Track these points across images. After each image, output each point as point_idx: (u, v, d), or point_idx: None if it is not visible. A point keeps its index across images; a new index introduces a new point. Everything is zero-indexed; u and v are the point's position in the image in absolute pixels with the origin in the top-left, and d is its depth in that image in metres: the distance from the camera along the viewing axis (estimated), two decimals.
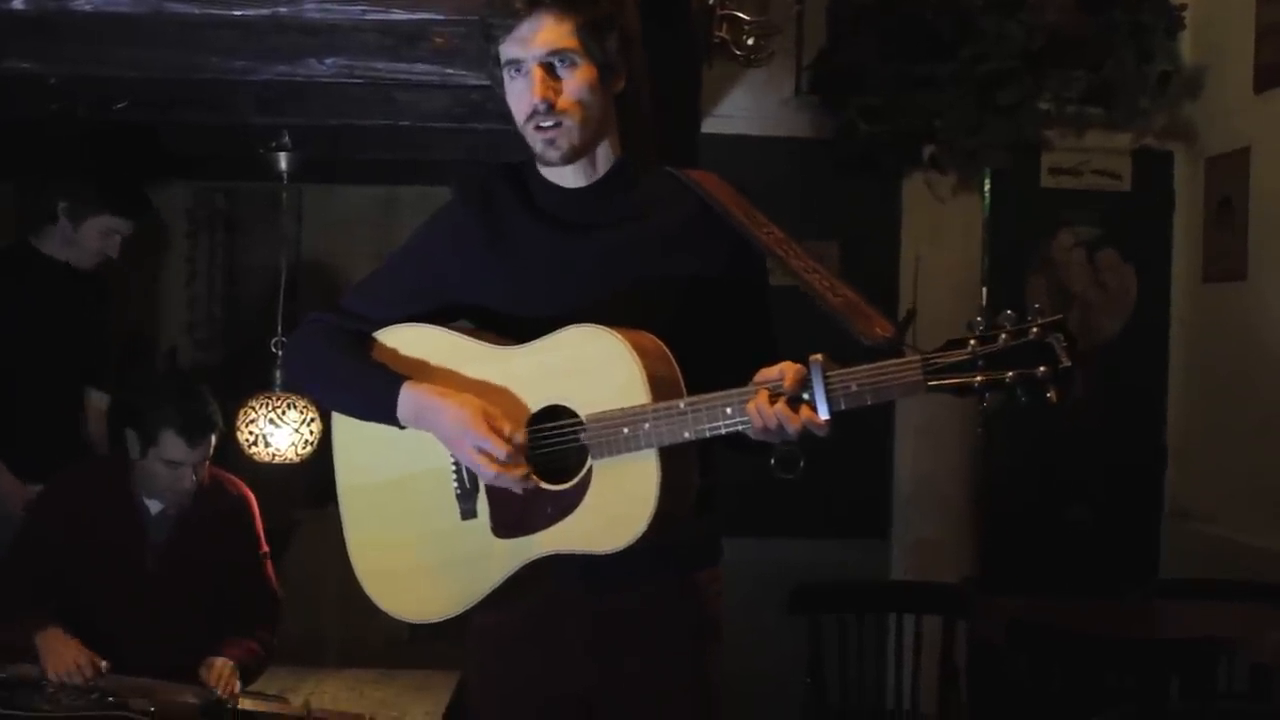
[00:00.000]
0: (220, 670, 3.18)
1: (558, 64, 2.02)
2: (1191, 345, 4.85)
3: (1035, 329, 1.77)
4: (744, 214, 2.08)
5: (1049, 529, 4.80)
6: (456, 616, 2.13)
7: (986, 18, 4.44)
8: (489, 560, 2.07)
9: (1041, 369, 1.76)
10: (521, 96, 2.04)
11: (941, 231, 4.84)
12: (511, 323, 2.10)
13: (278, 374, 3.92)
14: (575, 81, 2.03)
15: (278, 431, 3.85)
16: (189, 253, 5.18)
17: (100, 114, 3.46)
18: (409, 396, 2.06)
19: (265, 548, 3.50)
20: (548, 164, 2.10)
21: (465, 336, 2.11)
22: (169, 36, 2.84)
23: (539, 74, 2.01)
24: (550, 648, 2.12)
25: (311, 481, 4.29)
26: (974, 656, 4.14)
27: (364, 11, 2.66)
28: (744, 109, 4.71)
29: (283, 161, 3.94)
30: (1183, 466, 4.87)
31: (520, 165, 2.17)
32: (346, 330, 2.17)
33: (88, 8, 2.62)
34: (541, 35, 2.01)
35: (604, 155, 2.13)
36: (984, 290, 4.83)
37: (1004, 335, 1.79)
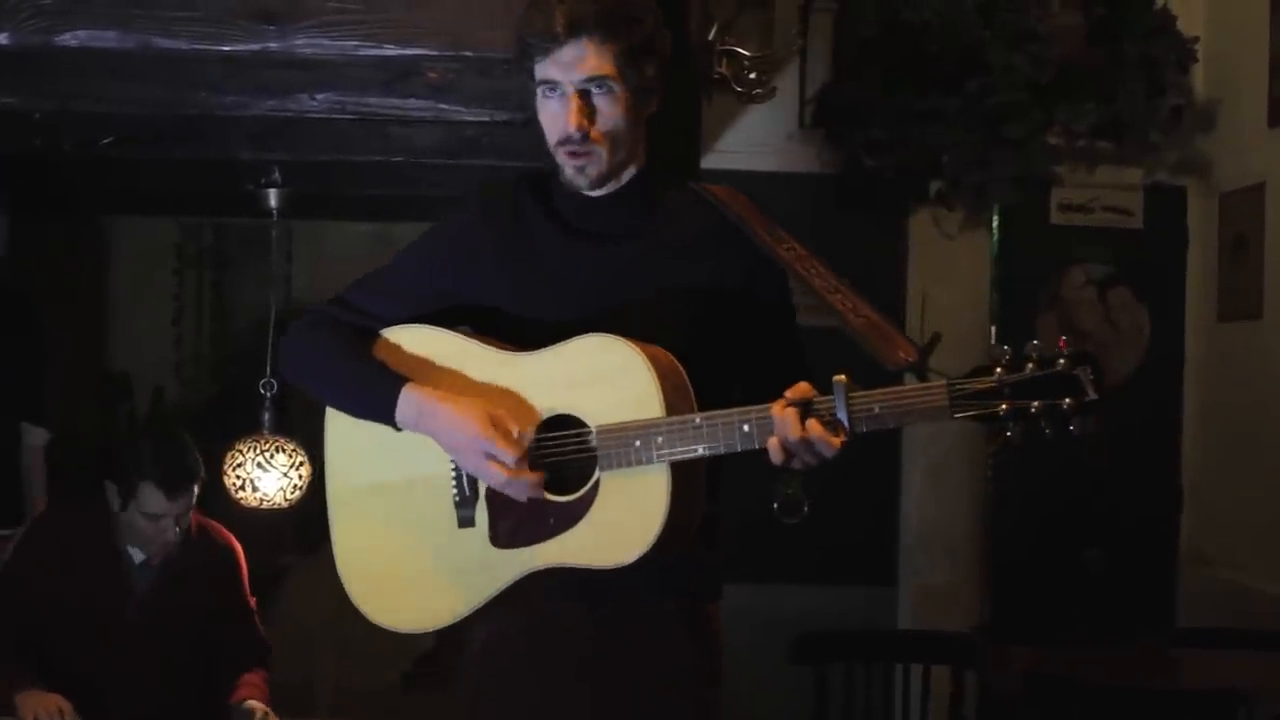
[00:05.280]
0: (263, 709, 3.23)
1: (594, 91, 2.04)
2: (1206, 385, 4.86)
3: (1063, 360, 1.80)
4: (765, 230, 2.11)
5: (1061, 575, 4.79)
6: (448, 628, 2.13)
7: (992, 50, 4.47)
8: (486, 570, 2.07)
9: (1068, 401, 1.79)
10: (555, 119, 2.06)
11: (949, 269, 4.85)
12: (518, 327, 2.11)
13: (266, 415, 3.93)
14: (611, 111, 2.05)
15: (266, 476, 3.85)
16: (176, 290, 5.20)
17: (86, 150, 3.48)
18: (409, 399, 2.06)
19: (253, 600, 3.50)
20: (574, 188, 2.12)
21: (471, 339, 2.12)
22: (156, 71, 2.86)
23: (576, 102, 2.03)
24: (546, 674, 2.12)
25: (301, 526, 4.29)
26: (984, 708, 4.13)
27: (356, 46, 2.68)
28: (746, 144, 4.74)
29: (273, 197, 3.96)
30: (1199, 510, 4.87)
31: (545, 173, 2.20)
32: (348, 325, 2.18)
33: (73, 43, 2.65)
34: (581, 62, 2.02)
35: (627, 172, 2.15)
36: (992, 329, 4.84)
37: (1031, 364, 1.81)
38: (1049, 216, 4.88)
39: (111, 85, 2.94)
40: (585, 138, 2.04)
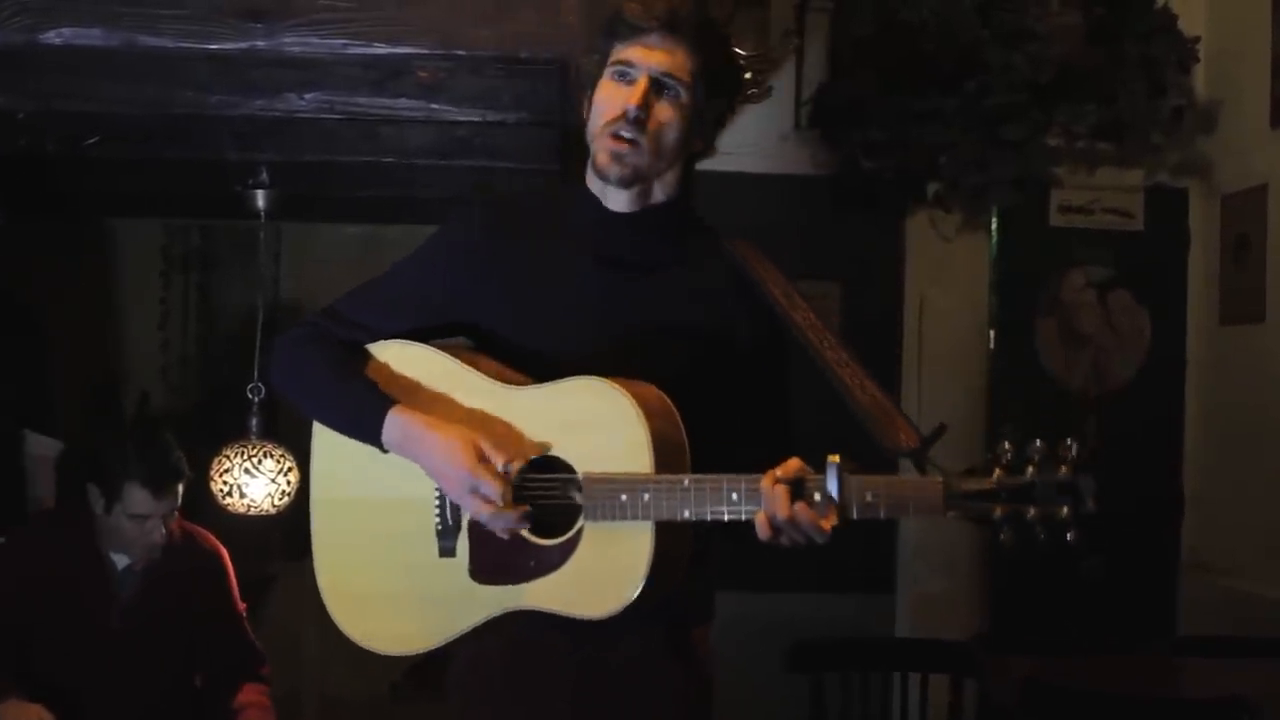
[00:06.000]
0: None
1: (665, 87, 2.06)
2: (1208, 390, 4.86)
3: (1065, 468, 1.80)
4: (781, 292, 2.10)
5: (1061, 583, 4.78)
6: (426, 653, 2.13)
7: (990, 50, 4.47)
8: (463, 603, 2.07)
9: (1065, 510, 1.79)
10: (614, 97, 2.07)
11: (947, 271, 4.85)
12: (517, 351, 2.11)
13: (254, 420, 3.92)
14: (670, 113, 2.07)
15: (253, 481, 3.84)
16: (162, 293, 5.19)
17: (71, 149, 3.48)
18: (396, 421, 2.06)
19: (242, 606, 3.49)
20: (604, 179, 2.11)
21: (465, 366, 2.10)
22: (143, 70, 2.86)
23: (645, 84, 2.05)
24: (532, 698, 2.12)
25: (289, 533, 4.27)
26: (983, 717, 4.12)
27: (345, 45, 2.68)
28: (741, 144, 4.72)
29: (261, 199, 3.95)
30: (1201, 516, 4.87)
31: (555, 187, 2.19)
32: (340, 340, 2.16)
33: (58, 41, 2.64)
34: (666, 54, 2.05)
35: (656, 193, 2.15)
36: (991, 333, 4.84)
37: (1031, 469, 1.80)
38: (1048, 218, 4.88)
39: (96, 84, 2.94)
40: (640, 121, 2.04)
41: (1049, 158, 4.71)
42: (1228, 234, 4.73)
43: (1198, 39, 4.70)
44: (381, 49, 2.69)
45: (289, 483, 3.87)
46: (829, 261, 4.69)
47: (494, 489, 1.97)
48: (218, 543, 3.49)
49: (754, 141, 4.72)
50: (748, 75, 4.40)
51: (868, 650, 3.89)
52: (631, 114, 2.04)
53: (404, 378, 2.13)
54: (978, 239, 4.86)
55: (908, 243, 4.86)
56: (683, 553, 2.00)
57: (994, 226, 4.84)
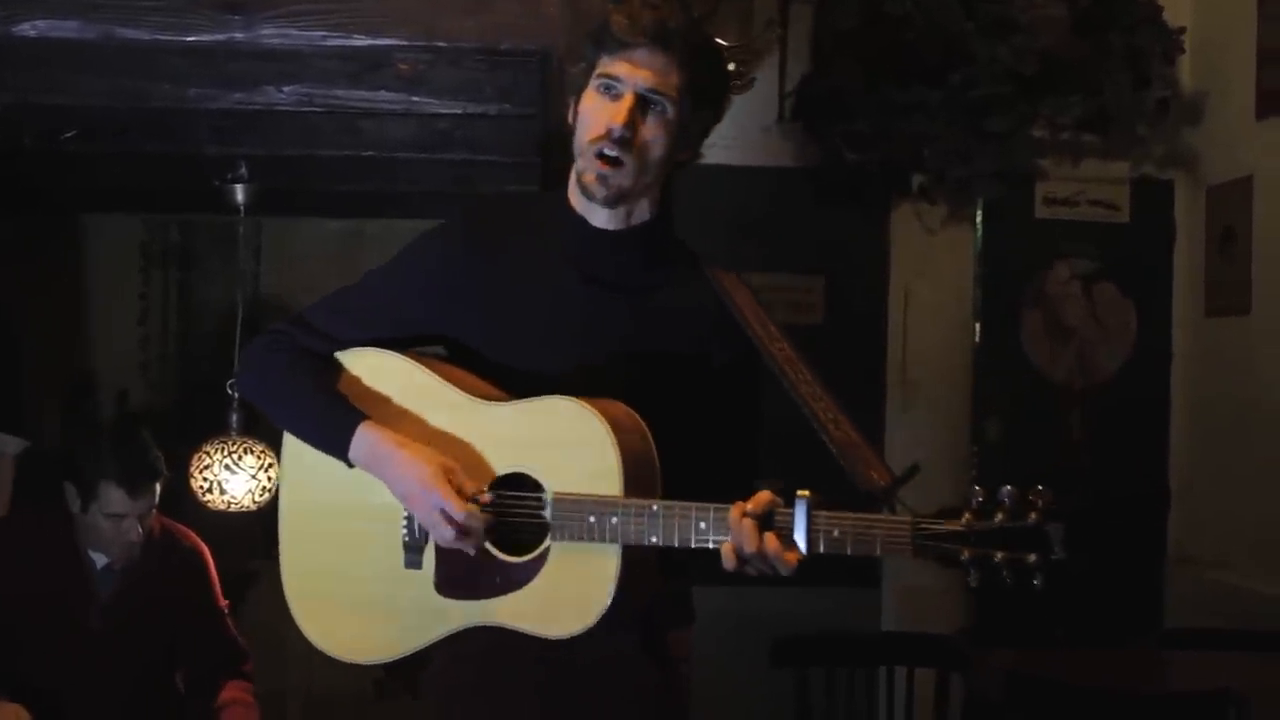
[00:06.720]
0: None
1: (651, 104, 2.04)
2: (1194, 382, 4.87)
3: (1034, 514, 1.80)
4: (758, 323, 2.10)
5: (1046, 576, 4.79)
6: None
7: (976, 41, 4.47)
8: (428, 616, 2.07)
9: (1033, 557, 1.79)
10: (600, 113, 2.05)
11: (932, 264, 4.86)
12: (492, 364, 2.10)
13: (234, 416, 3.90)
14: (656, 130, 2.05)
15: (234, 478, 3.83)
16: (141, 289, 5.16)
17: (47, 144, 3.46)
18: (365, 438, 2.05)
19: (224, 602, 3.49)
20: (588, 198, 2.09)
21: (438, 378, 2.10)
22: (119, 63, 2.85)
23: (631, 102, 2.03)
24: (503, 705, 2.12)
25: (270, 530, 4.26)
26: (969, 711, 4.13)
27: (324, 37, 2.67)
28: (724, 137, 4.63)
29: (240, 193, 3.93)
30: (1186, 509, 4.88)
31: (537, 197, 2.17)
32: (310, 349, 2.15)
33: (33, 33, 2.63)
34: (653, 71, 2.03)
35: (640, 210, 2.14)
36: (976, 326, 4.85)
37: (1000, 515, 1.81)
38: (1033, 210, 4.90)
39: (72, 77, 2.92)
40: (626, 140, 2.02)
41: (1034, 150, 4.73)
42: (1213, 226, 4.74)
43: (1183, 30, 4.72)
44: (361, 40, 2.68)
45: (270, 479, 3.85)
46: (812, 255, 4.69)
47: (461, 515, 1.97)
48: (198, 540, 3.48)
49: (736, 134, 4.70)
50: (731, 67, 4.40)
51: (853, 644, 3.89)
52: (616, 133, 2.02)
53: (376, 389, 2.12)
54: (962, 231, 4.87)
55: (892, 235, 4.87)
56: (650, 572, 2.00)
57: (979, 219, 4.85)
